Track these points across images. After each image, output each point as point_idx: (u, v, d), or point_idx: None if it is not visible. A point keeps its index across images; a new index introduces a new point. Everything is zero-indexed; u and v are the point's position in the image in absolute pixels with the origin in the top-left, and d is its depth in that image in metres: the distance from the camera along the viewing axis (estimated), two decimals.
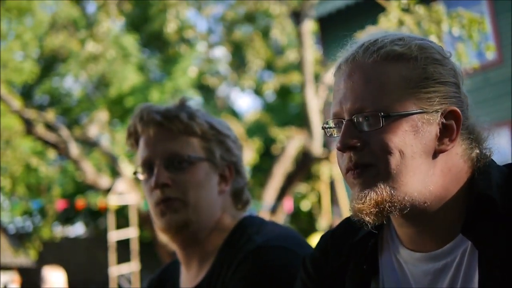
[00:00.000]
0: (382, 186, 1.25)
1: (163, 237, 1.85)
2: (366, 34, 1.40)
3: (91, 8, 17.47)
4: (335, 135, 1.35)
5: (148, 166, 1.82)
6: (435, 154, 1.29)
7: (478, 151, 1.34)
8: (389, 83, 1.29)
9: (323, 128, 1.39)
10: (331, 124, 1.36)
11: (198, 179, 1.78)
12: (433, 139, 1.28)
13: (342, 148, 1.29)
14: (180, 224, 1.77)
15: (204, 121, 1.83)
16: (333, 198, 11.76)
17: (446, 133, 1.30)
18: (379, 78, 1.29)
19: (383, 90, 1.28)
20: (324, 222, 10.80)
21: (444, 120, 1.30)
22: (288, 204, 9.48)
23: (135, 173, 1.87)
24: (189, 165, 1.78)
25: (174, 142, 1.79)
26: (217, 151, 1.83)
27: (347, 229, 1.49)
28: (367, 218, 1.27)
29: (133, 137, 1.87)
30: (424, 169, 1.27)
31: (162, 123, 1.80)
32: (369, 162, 1.27)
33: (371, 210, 1.26)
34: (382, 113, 1.26)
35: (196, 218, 1.78)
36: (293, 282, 1.57)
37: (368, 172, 1.27)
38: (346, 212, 10.84)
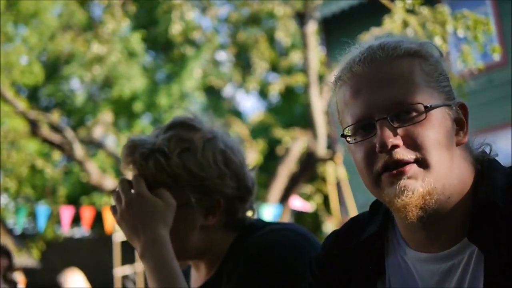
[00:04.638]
0: (427, 179, 1.25)
1: None
2: (365, 39, 1.40)
3: (96, 10, 17.51)
4: (360, 140, 1.31)
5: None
6: (455, 147, 1.31)
7: (480, 149, 1.37)
8: (417, 77, 1.30)
9: (343, 136, 1.33)
10: (351, 131, 1.32)
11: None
12: (453, 132, 1.31)
13: (387, 149, 1.25)
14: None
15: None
16: (340, 200, 11.74)
17: (460, 126, 1.33)
18: (407, 72, 1.29)
19: (414, 84, 1.29)
20: (333, 224, 10.74)
21: (457, 113, 1.33)
22: (301, 204, 9.34)
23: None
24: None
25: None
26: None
27: (352, 228, 1.49)
28: (411, 214, 1.26)
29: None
30: (451, 161, 1.29)
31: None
32: (412, 157, 1.26)
33: (418, 204, 1.25)
34: (424, 105, 1.26)
35: None
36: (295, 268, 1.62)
37: (413, 167, 1.26)
38: (352, 213, 10.82)
